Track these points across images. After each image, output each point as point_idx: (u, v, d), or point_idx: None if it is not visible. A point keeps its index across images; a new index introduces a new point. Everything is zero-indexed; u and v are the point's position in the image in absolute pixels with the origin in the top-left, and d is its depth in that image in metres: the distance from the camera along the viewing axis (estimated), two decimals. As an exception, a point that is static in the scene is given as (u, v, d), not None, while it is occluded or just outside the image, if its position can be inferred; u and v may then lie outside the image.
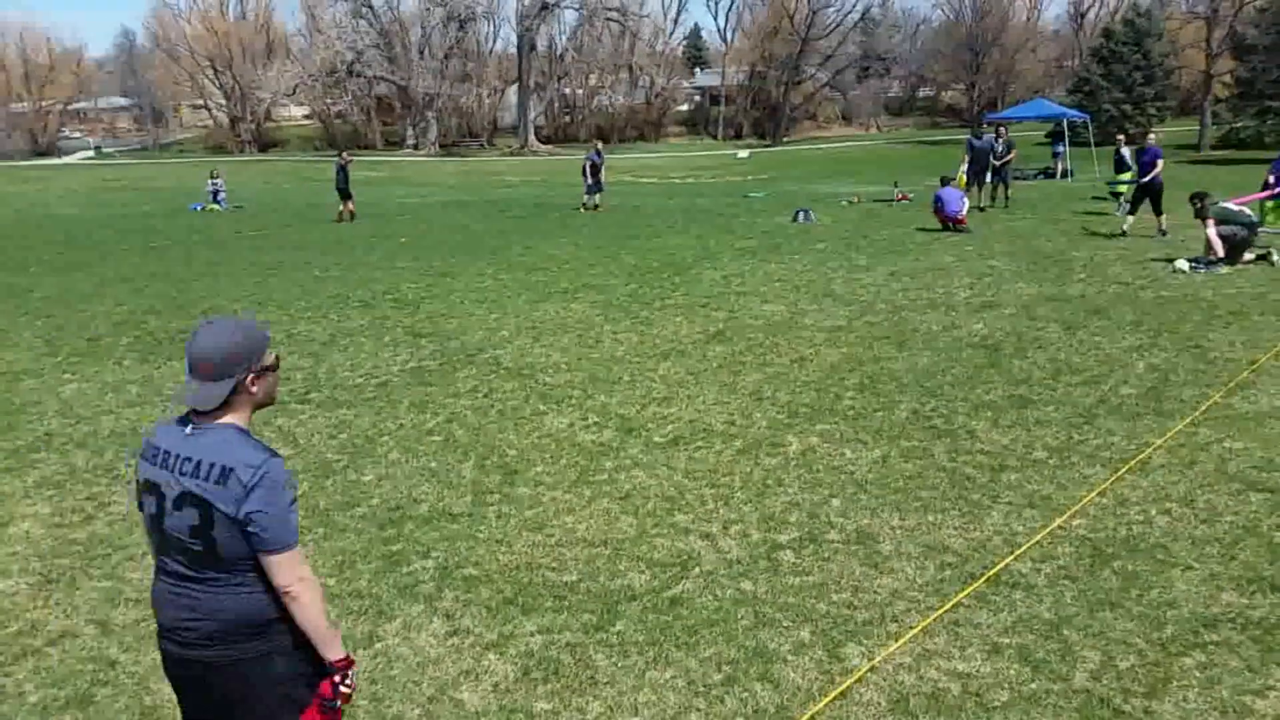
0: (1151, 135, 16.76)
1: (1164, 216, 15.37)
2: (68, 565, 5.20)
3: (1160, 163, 15.46)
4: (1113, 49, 47.56)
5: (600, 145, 25.78)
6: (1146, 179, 15.46)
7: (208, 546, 2.51)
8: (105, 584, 4.97)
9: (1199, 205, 12.87)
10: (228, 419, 2.58)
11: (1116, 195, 19.59)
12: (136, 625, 4.55)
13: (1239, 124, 41.02)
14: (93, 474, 6.51)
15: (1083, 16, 73.24)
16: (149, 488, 2.60)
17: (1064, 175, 28.61)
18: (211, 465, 2.50)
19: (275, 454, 2.57)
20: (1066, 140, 29.80)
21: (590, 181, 23.35)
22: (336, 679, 2.63)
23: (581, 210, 23.16)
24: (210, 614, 2.56)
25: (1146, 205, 15.49)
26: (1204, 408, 7.04)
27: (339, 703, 2.65)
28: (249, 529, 2.48)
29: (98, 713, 3.92)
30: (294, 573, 2.54)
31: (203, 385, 2.54)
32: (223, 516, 2.48)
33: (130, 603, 4.76)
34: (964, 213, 17.22)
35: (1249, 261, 12.62)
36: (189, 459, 2.53)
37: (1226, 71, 44.07)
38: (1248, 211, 13.19)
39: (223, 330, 2.59)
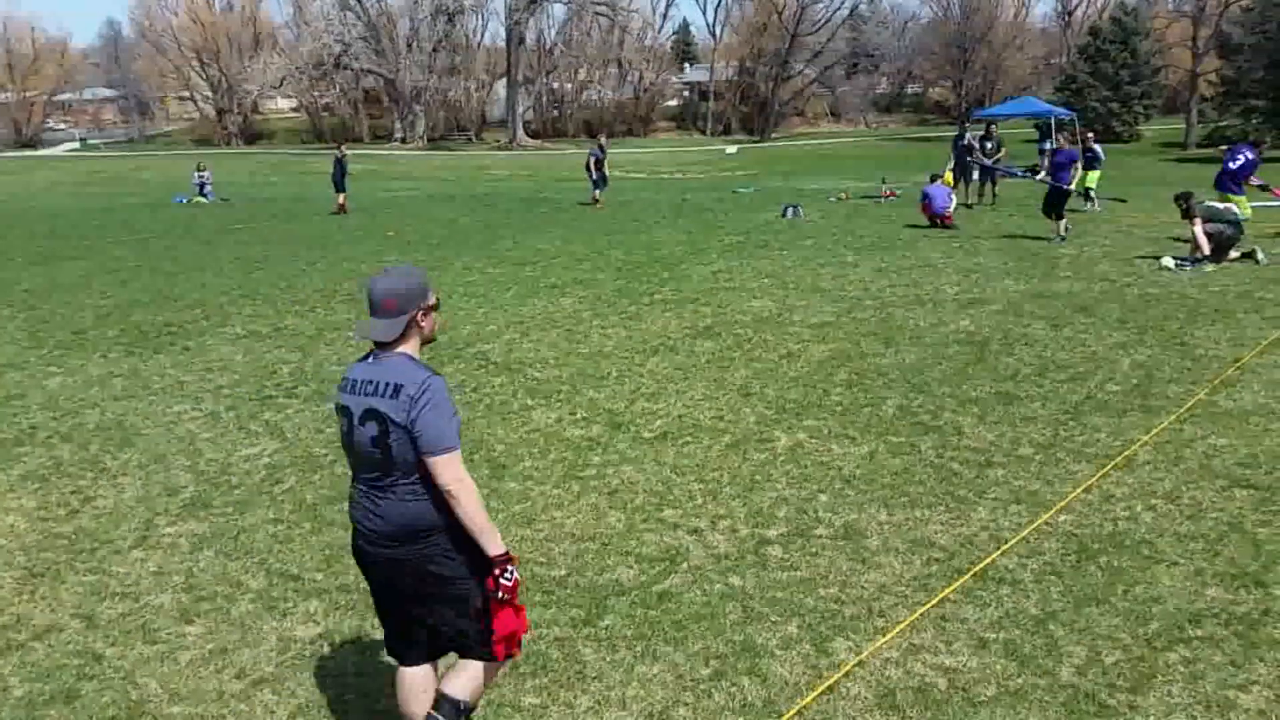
0: (1061, 136, 16.48)
1: (1063, 222, 15.04)
2: (53, 559, 5.17)
3: (1076, 166, 15.20)
4: (1100, 47, 47.77)
5: (604, 140, 25.74)
6: (1054, 181, 15.08)
7: (385, 453, 3.04)
8: (91, 578, 4.95)
9: (1185, 205, 12.93)
10: (402, 349, 3.13)
11: (1085, 194, 19.60)
12: (122, 619, 4.53)
13: (1224, 122, 41.24)
14: (78, 468, 6.47)
15: (1070, 14, 73.48)
16: (342, 411, 3.16)
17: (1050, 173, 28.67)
18: (387, 384, 3.04)
19: (437, 374, 3.09)
20: (1053, 137, 29.88)
21: (595, 176, 23.40)
22: (496, 572, 3.08)
23: (596, 205, 23.12)
24: (387, 517, 3.09)
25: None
26: (1189, 404, 7.09)
27: (502, 594, 3.09)
28: (415, 434, 2.98)
29: (83, 707, 3.90)
30: (453, 473, 3.00)
31: (385, 322, 3.09)
32: (395, 425, 3.00)
33: (116, 596, 4.74)
34: (951, 209, 17.26)
35: (1234, 259, 12.70)
36: (370, 381, 3.08)
37: (1212, 70, 44.35)
38: (1235, 210, 13.25)
39: (399, 275, 3.17)
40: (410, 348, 3.14)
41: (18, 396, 8.09)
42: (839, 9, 69.64)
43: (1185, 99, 47.94)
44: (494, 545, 3.07)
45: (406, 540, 3.08)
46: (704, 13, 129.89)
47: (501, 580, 3.07)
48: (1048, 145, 29.84)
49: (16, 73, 69.82)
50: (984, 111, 37.32)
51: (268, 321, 10.78)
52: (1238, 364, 8.05)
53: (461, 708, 3.23)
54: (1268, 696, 3.75)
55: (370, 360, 3.14)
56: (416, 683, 3.33)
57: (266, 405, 7.77)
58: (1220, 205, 13.18)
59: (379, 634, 4.31)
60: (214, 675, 4.09)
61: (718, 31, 78.65)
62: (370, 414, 3.04)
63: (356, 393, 3.10)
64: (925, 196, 17.41)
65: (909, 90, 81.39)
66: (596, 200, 23.24)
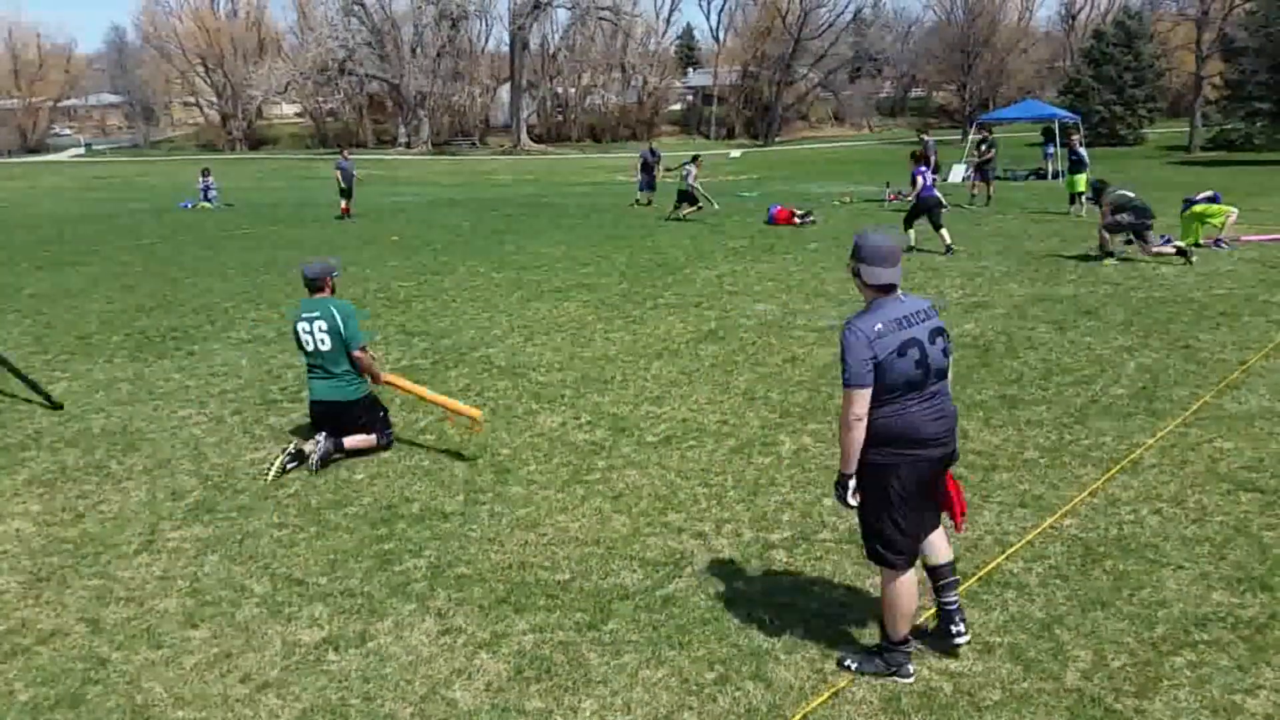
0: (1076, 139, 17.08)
1: (911, 233, 15.20)
2: (58, 564, 5.18)
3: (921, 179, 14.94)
4: (1103, 50, 47.73)
5: (655, 144, 26.18)
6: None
7: (949, 360, 3.88)
8: (96, 582, 4.95)
9: (1095, 195, 13.45)
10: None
11: (1075, 197, 19.58)
12: (127, 624, 4.53)
13: (1228, 125, 41.15)
14: (83, 472, 6.48)
15: (1074, 18, 73.48)
16: (909, 343, 3.73)
17: (1054, 176, 28.70)
18: (930, 307, 3.92)
19: None
20: (1057, 141, 29.89)
21: (643, 178, 23.73)
22: None
23: (634, 206, 23.53)
24: (950, 414, 3.89)
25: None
26: (1194, 408, 7.07)
27: None
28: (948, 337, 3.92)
29: (88, 712, 3.90)
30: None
31: (900, 269, 3.89)
32: (945, 334, 3.87)
33: (121, 601, 4.75)
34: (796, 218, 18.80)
35: (1169, 255, 13.02)
36: (920, 310, 3.86)
37: (1216, 73, 44.20)
38: (1136, 198, 13.23)
39: (886, 232, 3.98)
40: None
41: (23, 401, 8.10)
42: (842, 13, 69.85)
43: (1189, 102, 47.75)
44: None
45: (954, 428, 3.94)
46: (707, 17, 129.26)
47: None
48: (1051, 150, 29.98)
49: (22, 79, 70.11)
50: (988, 115, 37.39)
51: (272, 326, 10.79)
52: (1243, 367, 8.04)
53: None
54: (1275, 701, 3.74)
55: (901, 299, 3.87)
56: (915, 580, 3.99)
57: (271, 410, 7.78)
58: (1131, 193, 13.29)
59: (383, 638, 4.33)
60: (219, 680, 4.09)
61: (721, 36, 78.90)
62: (938, 332, 3.85)
63: (918, 323, 3.80)
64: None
65: (913, 94, 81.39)
66: (638, 201, 23.62)
